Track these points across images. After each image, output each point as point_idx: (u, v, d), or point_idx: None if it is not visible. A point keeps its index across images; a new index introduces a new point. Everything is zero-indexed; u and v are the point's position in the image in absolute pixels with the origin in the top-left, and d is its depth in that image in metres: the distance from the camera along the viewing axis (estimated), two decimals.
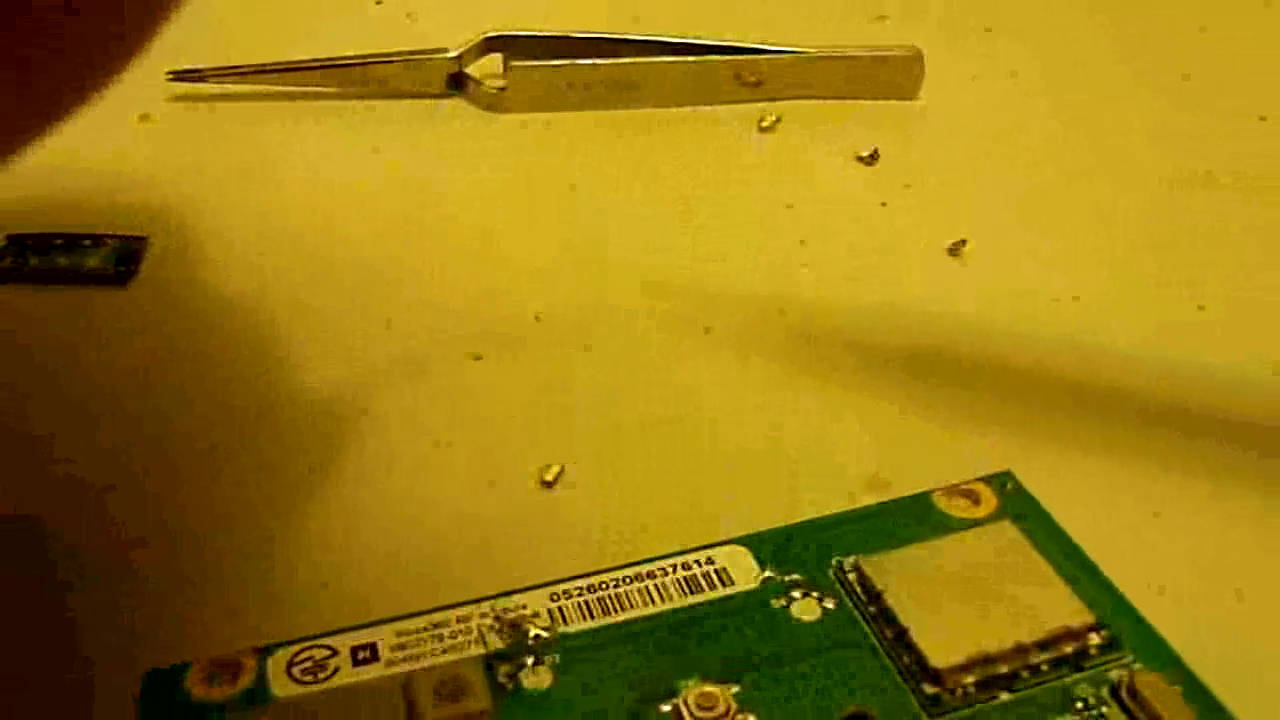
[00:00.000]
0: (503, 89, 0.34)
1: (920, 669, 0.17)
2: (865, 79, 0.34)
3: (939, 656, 0.17)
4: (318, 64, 0.34)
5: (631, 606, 0.19)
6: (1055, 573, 0.19)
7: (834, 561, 0.19)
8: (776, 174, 0.31)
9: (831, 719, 0.17)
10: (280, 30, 0.37)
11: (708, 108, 0.34)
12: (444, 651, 0.18)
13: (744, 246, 0.29)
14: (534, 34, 0.34)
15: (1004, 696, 0.17)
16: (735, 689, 0.17)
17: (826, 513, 0.20)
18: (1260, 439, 0.23)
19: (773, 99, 0.34)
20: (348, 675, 0.17)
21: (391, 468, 0.22)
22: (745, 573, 0.19)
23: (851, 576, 0.19)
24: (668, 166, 0.32)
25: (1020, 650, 0.17)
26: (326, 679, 0.17)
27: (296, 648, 0.18)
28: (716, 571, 0.19)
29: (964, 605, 0.18)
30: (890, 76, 0.34)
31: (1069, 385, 0.25)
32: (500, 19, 0.35)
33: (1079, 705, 0.17)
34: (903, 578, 0.18)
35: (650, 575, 0.19)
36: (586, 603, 0.19)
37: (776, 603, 0.19)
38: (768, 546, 0.20)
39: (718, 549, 0.20)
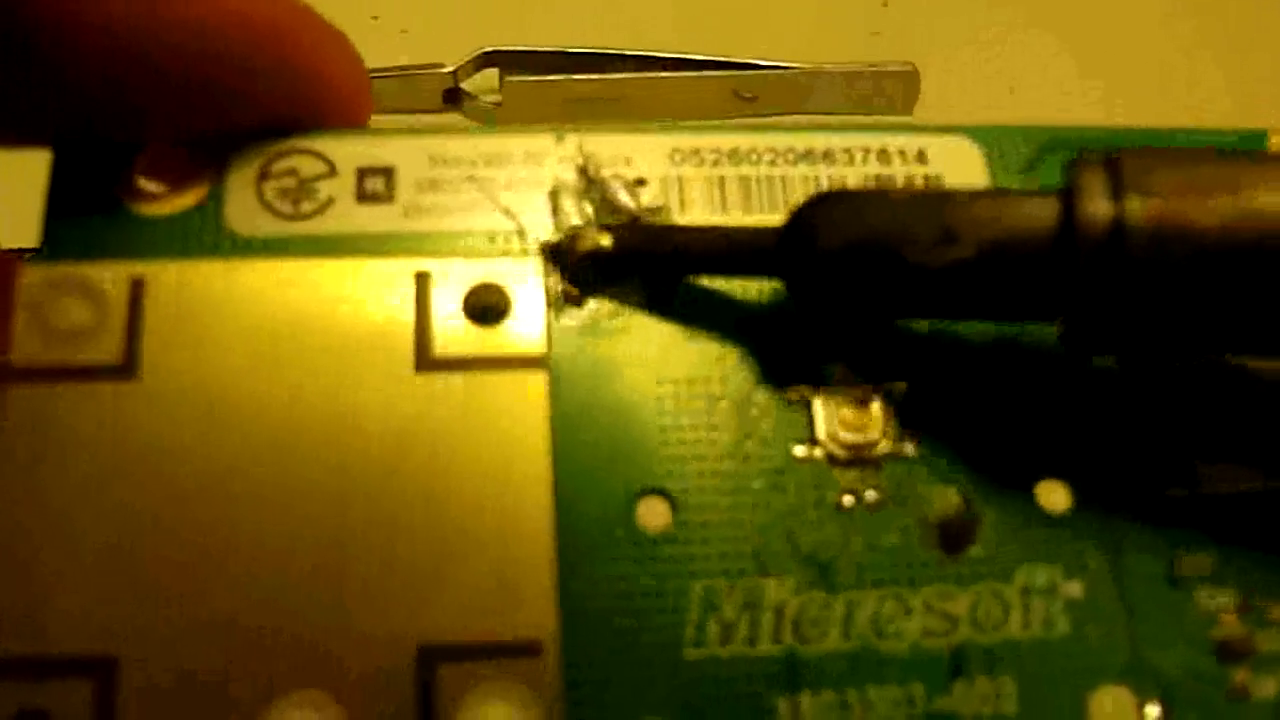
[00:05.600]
0: (498, 104, 0.33)
1: None
2: (860, 95, 0.34)
3: None
4: None
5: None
6: None
7: None
8: None
9: None
10: None
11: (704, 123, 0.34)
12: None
13: None
14: (530, 49, 0.34)
15: None
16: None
17: None
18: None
19: (768, 114, 0.34)
20: (341, 217, 0.12)
21: None
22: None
23: None
24: None
25: None
26: (308, 216, 0.12)
27: (283, 146, 0.12)
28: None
29: None
30: (885, 92, 0.34)
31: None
32: (496, 34, 0.35)
33: None
34: None
35: (829, 155, 0.13)
36: (713, 177, 0.13)
37: None
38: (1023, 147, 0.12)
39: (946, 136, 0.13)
